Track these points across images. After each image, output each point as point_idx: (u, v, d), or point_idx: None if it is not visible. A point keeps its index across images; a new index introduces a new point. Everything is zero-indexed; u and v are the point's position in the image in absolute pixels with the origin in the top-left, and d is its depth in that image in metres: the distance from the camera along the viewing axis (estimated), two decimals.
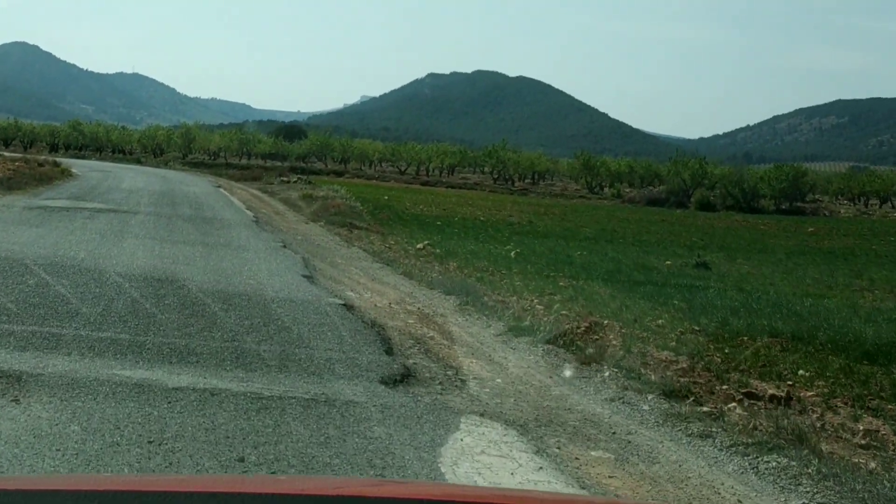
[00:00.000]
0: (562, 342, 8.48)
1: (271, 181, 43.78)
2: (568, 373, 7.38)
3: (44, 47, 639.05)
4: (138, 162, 68.38)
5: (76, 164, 47.92)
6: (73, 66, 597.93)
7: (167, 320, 7.84)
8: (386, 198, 41.46)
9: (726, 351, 9.84)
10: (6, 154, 49.39)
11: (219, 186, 36.35)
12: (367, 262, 15.18)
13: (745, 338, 11.15)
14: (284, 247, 15.55)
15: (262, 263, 12.50)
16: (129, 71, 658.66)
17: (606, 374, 7.29)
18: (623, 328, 10.89)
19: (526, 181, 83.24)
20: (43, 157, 44.19)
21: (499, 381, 6.97)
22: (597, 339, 9.05)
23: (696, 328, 11.35)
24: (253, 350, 6.98)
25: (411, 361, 7.25)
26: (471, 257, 19.14)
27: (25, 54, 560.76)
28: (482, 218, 35.85)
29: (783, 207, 68.74)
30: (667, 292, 15.76)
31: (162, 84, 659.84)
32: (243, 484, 2.41)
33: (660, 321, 12.15)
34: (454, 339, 8.44)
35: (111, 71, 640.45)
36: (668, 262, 22.60)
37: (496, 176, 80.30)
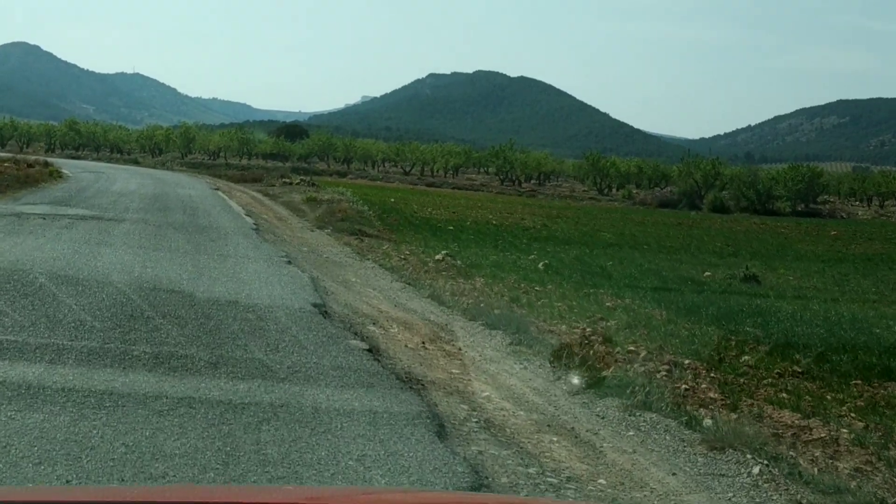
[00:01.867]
0: (666, 408, 6.34)
1: (273, 183, 41.63)
2: (720, 483, 5.13)
3: (44, 47, 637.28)
4: (136, 162, 66.18)
5: (69, 165, 45.88)
6: (74, 66, 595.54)
7: (129, 385, 5.67)
8: (392, 200, 39.41)
9: (858, 404, 7.73)
10: None
11: (217, 189, 34.16)
12: (386, 281, 13.05)
13: (859, 381, 9.04)
14: (289, 262, 13.39)
15: (263, 287, 10.34)
16: (130, 71, 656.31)
17: (755, 469, 5.12)
18: (712, 373, 8.77)
19: (532, 182, 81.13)
20: (34, 158, 42.04)
21: None
22: (702, 401, 6.92)
23: (798, 370, 9.21)
24: (248, 447, 4.76)
25: (477, 452, 5.09)
26: (496, 270, 17.11)
27: (26, 54, 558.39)
28: (494, 222, 33.90)
29: (799, 209, 66.89)
30: (731, 314, 13.67)
31: (163, 84, 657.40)
32: (241, 494, 2.34)
33: (745, 358, 10.05)
34: (524, 403, 6.32)
35: (112, 71, 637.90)
36: (708, 274, 20.67)
37: (503, 177, 78.15)
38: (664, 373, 8.55)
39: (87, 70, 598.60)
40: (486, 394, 6.49)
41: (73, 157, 70.04)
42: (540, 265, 18.84)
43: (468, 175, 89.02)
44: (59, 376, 5.68)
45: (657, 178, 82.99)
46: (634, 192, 75.73)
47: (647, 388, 6.73)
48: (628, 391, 6.63)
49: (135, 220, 17.82)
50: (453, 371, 7.18)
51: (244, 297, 9.44)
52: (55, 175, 32.42)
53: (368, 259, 15.97)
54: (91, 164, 55.16)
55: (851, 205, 77.83)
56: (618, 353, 9.34)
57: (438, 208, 38.32)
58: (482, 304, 11.23)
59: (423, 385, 6.55)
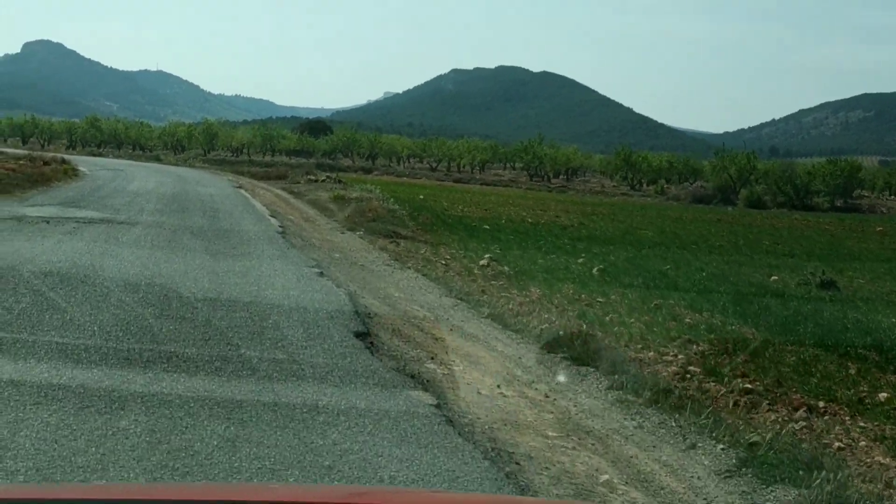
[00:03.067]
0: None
1: (297, 180, 39.90)
2: None
3: (68, 45, 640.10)
4: (158, 160, 64.53)
5: (88, 163, 44.40)
6: (98, 63, 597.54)
7: (119, 452, 3.95)
8: (421, 197, 37.66)
9: None
10: (9, 151, 45.86)
11: (239, 187, 32.44)
12: (433, 296, 11.25)
13: None
14: (321, 274, 11.60)
15: (293, 311, 8.53)
16: (153, 68, 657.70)
17: None
18: (858, 419, 6.94)
19: (560, 178, 79.10)
20: (51, 155, 40.47)
21: None
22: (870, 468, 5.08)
23: None
24: None
25: None
26: (548, 277, 15.34)
27: (49, 52, 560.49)
28: (530, 220, 32.12)
29: (837, 205, 64.78)
30: (832, 331, 11.85)
31: (186, 81, 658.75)
32: (242, 492, 2.31)
33: (882, 395, 8.24)
34: (660, 493, 4.50)
35: (135, 68, 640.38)
36: (775, 278, 18.82)
37: (532, 172, 76.16)
38: (801, 423, 6.74)
39: (111, 67, 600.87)
40: (606, 477, 4.69)
41: (94, 155, 68.67)
42: (594, 270, 17.07)
43: (495, 171, 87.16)
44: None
45: (687, 173, 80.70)
46: (666, 187, 73.61)
47: (815, 460, 4.88)
48: (797, 471, 4.79)
49: (148, 224, 16.09)
50: (549, 435, 5.38)
51: (270, 327, 7.65)
52: (70, 173, 30.85)
53: (409, 267, 14.18)
54: (111, 161, 53.64)
55: (886, 199, 75.63)
56: (732, 393, 7.55)
57: (470, 205, 36.60)
58: (551, 326, 9.44)
59: (517, 463, 4.76)
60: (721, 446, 5.21)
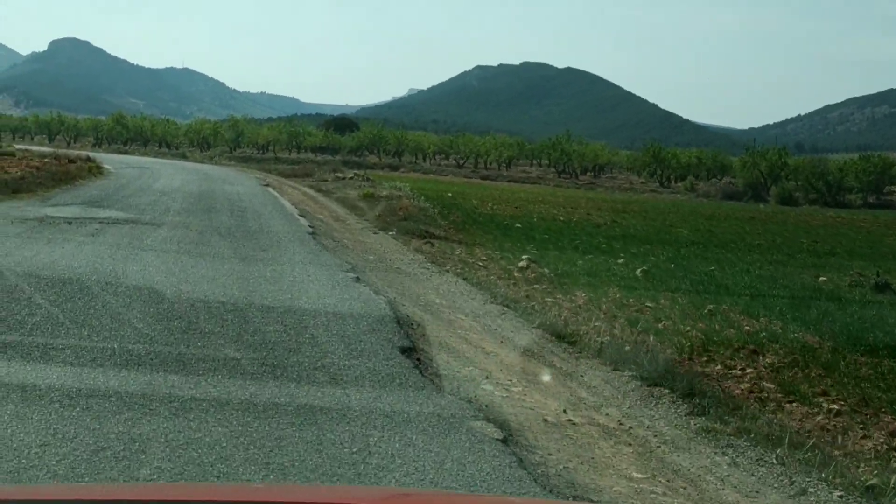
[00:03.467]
0: None
1: (325, 177, 39.31)
2: None
3: (94, 43, 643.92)
4: (183, 157, 64.19)
5: (113, 161, 43.99)
6: (124, 61, 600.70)
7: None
8: (450, 194, 36.96)
9: None
10: (35, 149, 45.57)
11: (267, 185, 31.83)
12: (477, 302, 10.53)
13: None
14: (357, 279, 10.88)
15: (331, 322, 7.81)
16: (178, 66, 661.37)
17: None
18: None
19: (588, 174, 78.11)
20: (76, 153, 40.12)
21: None
22: None
23: None
24: None
25: None
26: (591, 280, 14.62)
27: (76, 50, 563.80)
28: (561, 218, 31.37)
29: (870, 201, 63.64)
30: None
31: (211, 79, 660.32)
32: (245, 493, 2.33)
33: None
34: None
35: (161, 66, 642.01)
36: (823, 279, 17.97)
37: (560, 169, 75.25)
38: None
39: (137, 65, 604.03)
40: None
41: (120, 152, 68.47)
42: (637, 272, 16.31)
43: (521, 167, 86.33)
44: None
45: (715, 169, 79.48)
46: (696, 184, 72.53)
47: None
48: None
49: (175, 225, 15.46)
50: (634, 476, 4.64)
51: (307, 343, 6.92)
52: (95, 171, 30.36)
53: (447, 270, 13.46)
54: (137, 159, 53.29)
55: None
56: (818, 416, 6.78)
57: (499, 203, 35.88)
58: (610, 337, 8.69)
59: None
60: (837, 492, 4.45)
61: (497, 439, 4.90)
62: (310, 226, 17.66)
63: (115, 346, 6.17)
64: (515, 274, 14.52)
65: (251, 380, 5.68)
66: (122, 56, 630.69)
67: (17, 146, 55.07)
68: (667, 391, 6.43)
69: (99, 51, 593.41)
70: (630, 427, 5.60)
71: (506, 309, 10.14)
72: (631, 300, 12.60)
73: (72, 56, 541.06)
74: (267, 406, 5.14)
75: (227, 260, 11.60)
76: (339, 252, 14.10)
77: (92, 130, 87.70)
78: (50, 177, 25.21)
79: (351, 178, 38.69)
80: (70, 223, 14.39)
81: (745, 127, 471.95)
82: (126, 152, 69.34)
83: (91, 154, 48.43)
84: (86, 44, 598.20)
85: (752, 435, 5.42)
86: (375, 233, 18.79)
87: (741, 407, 6.13)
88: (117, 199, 20.17)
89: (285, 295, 9.14)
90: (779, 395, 7.59)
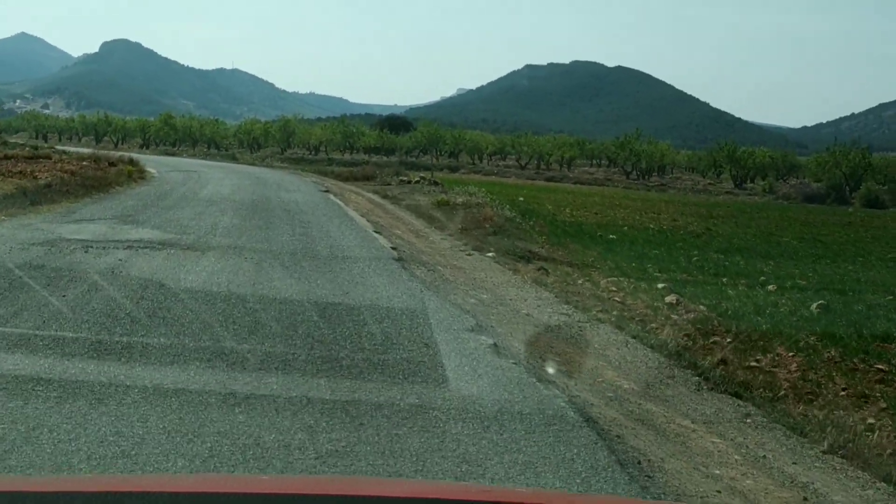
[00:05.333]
0: None
1: (388, 181, 35.68)
2: None
3: (146, 44, 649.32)
4: (233, 158, 60.90)
5: (159, 163, 40.96)
6: (175, 62, 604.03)
7: None
8: (521, 199, 33.34)
9: None
10: (76, 151, 42.71)
11: (326, 191, 28.20)
12: (687, 390, 6.81)
13: None
14: (495, 347, 7.20)
15: (492, 440, 4.17)
16: (228, 67, 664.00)
17: None
18: None
19: (655, 175, 73.81)
20: (118, 155, 36.97)
21: None
22: None
23: None
24: None
25: None
26: (768, 323, 10.86)
27: (128, 51, 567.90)
28: (652, 226, 27.80)
29: None
30: None
31: (261, 79, 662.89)
32: (247, 484, 2.32)
33: None
34: None
35: (211, 67, 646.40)
36: None
37: (629, 170, 71.02)
38: None
39: (188, 66, 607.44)
40: None
41: (168, 154, 65.69)
42: (813, 308, 12.52)
43: (582, 168, 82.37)
44: None
45: (785, 169, 74.73)
46: (774, 185, 68.08)
47: None
48: None
49: (223, 249, 11.87)
50: None
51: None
52: (136, 176, 27.07)
53: (595, 316, 9.73)
54: (184, 161, 50.13)
55: None
56: None
57: (577, 209, 32.24)
58: None
59: None
60: None
61: None
62: (391, 247, 14.02)
63: None
64: (673, 317, 10.85)
65: None
66: (172, 57, 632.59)
67: (60, 147, 52.55)
68: None
69: (150, 52, 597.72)
70: None
71: (739, 403, 6.40)
72: (858, 363, 8.86)
73: (123, 57, 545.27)
74: None
75: (297, 307, 8.04)
76: (442, 288, 10.46)
77: (139, 131, 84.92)
78: (82, 183, 21.93)
79: (417, 181, 35.03)
80: (88, 250, 10.89)
81: (798, 126, 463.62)
82: (174, 154, 66.44)
83: (135, 156, 45.39)
84: (137, 45, 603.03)
85: None
86: (469, 254, 15.11)
87: None
88: (156, 212, 16.70)
89: (395, 380, 5.53)
90: None
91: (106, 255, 10.60)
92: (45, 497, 1.79)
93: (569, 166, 77.54)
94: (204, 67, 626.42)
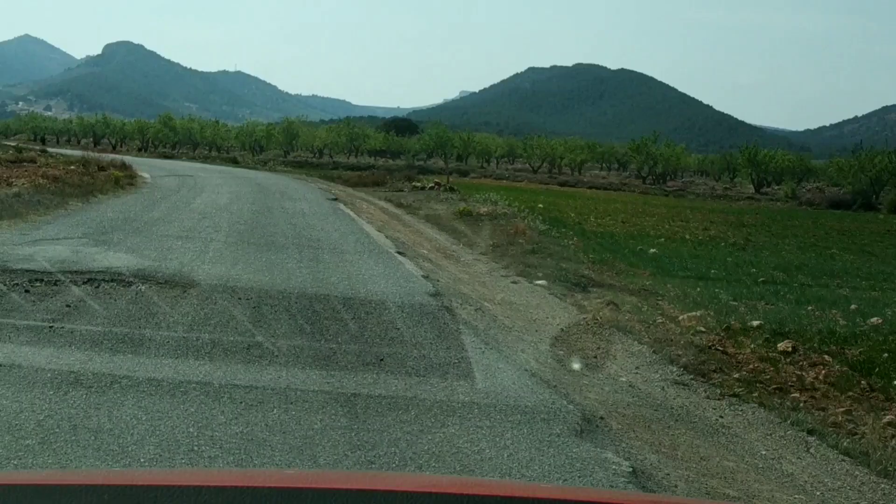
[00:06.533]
0: None
1: (399, 187, 32.96)
2: None
3: (148, 46, 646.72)
4: (234, 161, 58.07)
5: (154, 167, 38.28)
6: (177, 64, 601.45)
7: None
8: (541, 206, 30.59)
9: None
10: (69, 153, 40.07)
11: (335, 199, 25.41)
12: None
13: None
14: (634, 475, 4.52)
15: None
16: (231, 69, 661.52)
17: None
18: None
19: (671, 180, 71.07)
20: (110, 158, 34.28)
21: None
22: None
23: None
24: None
25: None
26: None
27: (131, 54, 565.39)
28: (687, 236, 25.23)
29: None
30: None
31: (263, 82, 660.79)
32: (254, 478, 2.25)
33: None
34: None
35: (214, 69, 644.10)
36: None
37: (644, 174, 68.21)
38: None
39: (190, 69, 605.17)
40: None
41: (166, 157, 63.01)
42: None
43: (593, 171, 79.65)
44: None
45: (802, 173, 72.03)
46: (797, 190, 65.39)
47: None
48: None
49: (212, 283, 9.13)
50: None
51: None
52: (124, 182, 24.37)
53: (714, 380, 7.05)
54: (182, 165, 47.32)
55: None
56: None
57: (601, 217, 29.55)
58: None
59: None
60: None
61: None
62: (423, 275, 11.30)
63: None
64: (807, 376, 8.22)
65: None
66: (175, 60, 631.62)
67: (54, 150, 49.95)
68: None
69: (152, 54, 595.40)
70: None
71: None
72: None
73: (126, 60, 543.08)
74: None
75: (313, 400, 5.34)
76: (503, 343, 7.76)
77: (138, 134, 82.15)
78: (60, 191, 19.28)
79: (431, 187, 32.29)
80: (30, 288, 8.19)
81: (801, 129, 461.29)
82: (172, 157, 63.70)
83: (130, 159, 42.76)
84: (139, 47, 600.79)
85: None
86: (515, 281, 12.41)
87: None
88: (137, 228, 13.97)
89: None
90: None
91: (52, 297, 7.90)
92: (45, 490, 1.75)
93: (580, 170, 74.78)
94: (206, 70, 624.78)
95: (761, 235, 28.02)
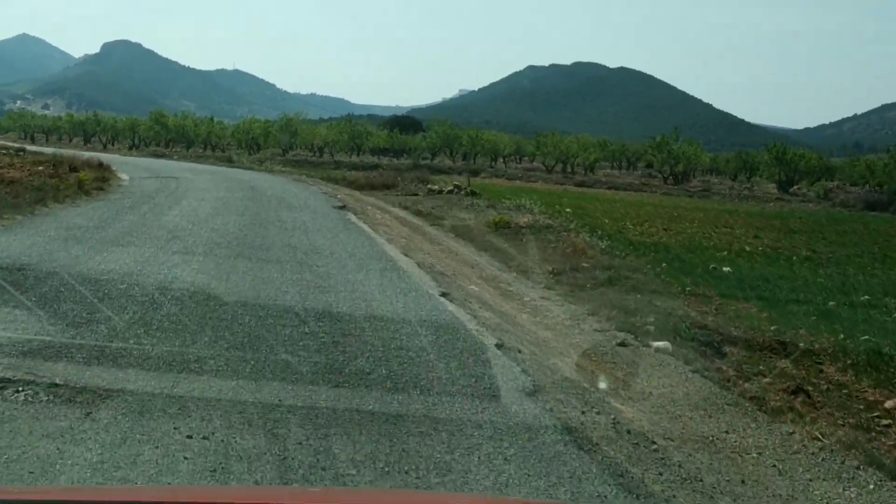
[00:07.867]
0: None
1: (412, 190, 28.80)
2: None
3: (146, 45, 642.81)
4: (229, 160, 53.79)
5: (138, 166, 34.29)
6: (175, 63, 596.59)
7: None
8: (568, 210, 26.59)
9: None
10: (46, 151, 36.12)
11: (342, 206, 21.22)
12: None
13: None
14: None
15: None
16: (229, 67, 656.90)
17: None
18: None
19: (684, 179, 67.01)
20: (86, 156, 30.31)
21: None
22: None
23: None
24: None
25: None
26: None
27: (129, 52, 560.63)
28: (747, 248, 21.35)
29: None
30: None
31: (262, 80, 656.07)
32: (263, 496, 2.26)
33: None
34: None
35: (212, 68, 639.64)
36: None
37: (666, 174, 64.10)
38: None
39: (188, 67, 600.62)
40: None
41: (157, 155, 58.90)
42: None
43: (604, 170, 75.76)
44: None
45: (820, 171, 68.12)
46: (830, 190, 61.51)
47: None
48: None
49: (147, 395, 5.10)
50: None
51: None
52: (91, 186, 20.31)
53: None
54: (171, 164, 43.13)
55: None
56: None
57: (639, 223, 25.36)
58: None
59: None
60: None
61: None
62: (495, 343, 7.24)
63: None
64: None
65: None
66: (173, 58, 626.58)
67: (34, 148, 46.08)
68: None
69: (151, 53, 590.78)
70: None
71: None
72: None
73: (124, 58, 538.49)
74: None
75: None
76: None
77: (130, 131, 77.97)
78: (9, 200, 15.31)
79: (451, 191, 28.17)
80: None
81: (801, 127, 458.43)
82: (164, 155, 59.56)
83: (115, 158, 38.88)
84: (137, 46, 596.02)
85: None
86: (623, 343, 8.36)
87: None
88: (71, 261, 9.84)
89: None
90: None
91: None
92: None
93: (592, 169, 70.71)
94: (205, 68, 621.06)
95: (820, 244, 24.09)
